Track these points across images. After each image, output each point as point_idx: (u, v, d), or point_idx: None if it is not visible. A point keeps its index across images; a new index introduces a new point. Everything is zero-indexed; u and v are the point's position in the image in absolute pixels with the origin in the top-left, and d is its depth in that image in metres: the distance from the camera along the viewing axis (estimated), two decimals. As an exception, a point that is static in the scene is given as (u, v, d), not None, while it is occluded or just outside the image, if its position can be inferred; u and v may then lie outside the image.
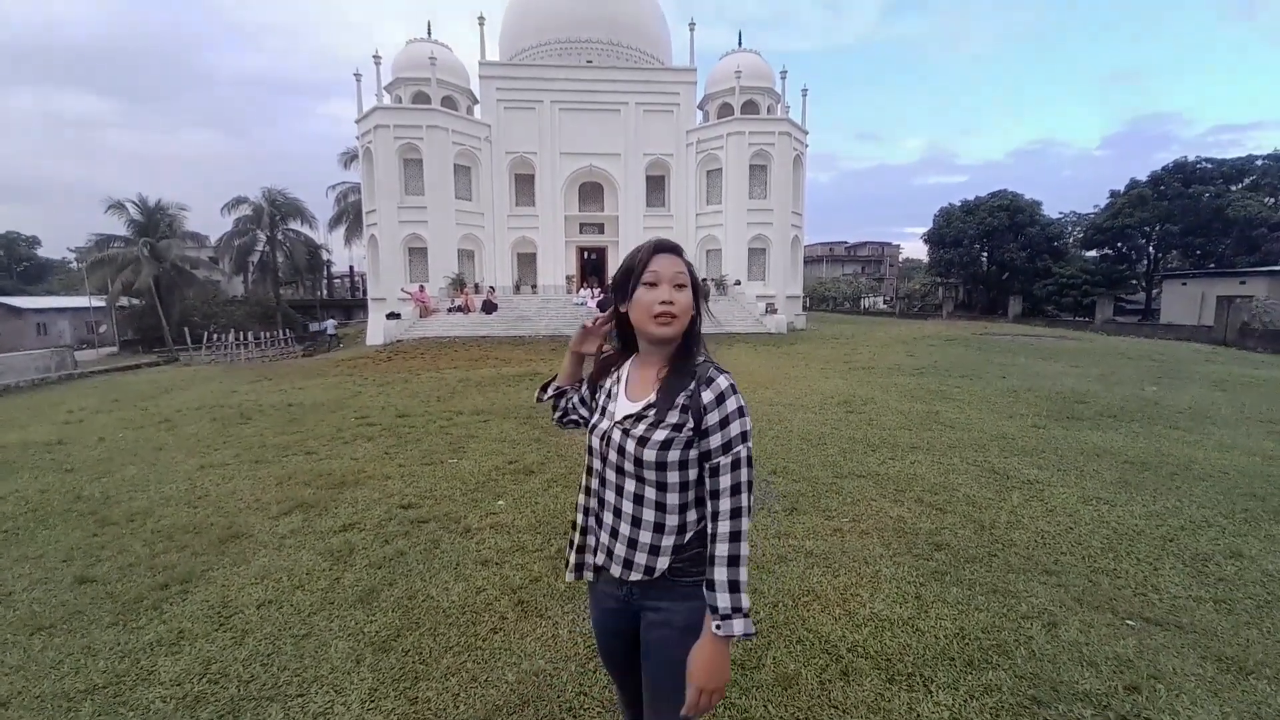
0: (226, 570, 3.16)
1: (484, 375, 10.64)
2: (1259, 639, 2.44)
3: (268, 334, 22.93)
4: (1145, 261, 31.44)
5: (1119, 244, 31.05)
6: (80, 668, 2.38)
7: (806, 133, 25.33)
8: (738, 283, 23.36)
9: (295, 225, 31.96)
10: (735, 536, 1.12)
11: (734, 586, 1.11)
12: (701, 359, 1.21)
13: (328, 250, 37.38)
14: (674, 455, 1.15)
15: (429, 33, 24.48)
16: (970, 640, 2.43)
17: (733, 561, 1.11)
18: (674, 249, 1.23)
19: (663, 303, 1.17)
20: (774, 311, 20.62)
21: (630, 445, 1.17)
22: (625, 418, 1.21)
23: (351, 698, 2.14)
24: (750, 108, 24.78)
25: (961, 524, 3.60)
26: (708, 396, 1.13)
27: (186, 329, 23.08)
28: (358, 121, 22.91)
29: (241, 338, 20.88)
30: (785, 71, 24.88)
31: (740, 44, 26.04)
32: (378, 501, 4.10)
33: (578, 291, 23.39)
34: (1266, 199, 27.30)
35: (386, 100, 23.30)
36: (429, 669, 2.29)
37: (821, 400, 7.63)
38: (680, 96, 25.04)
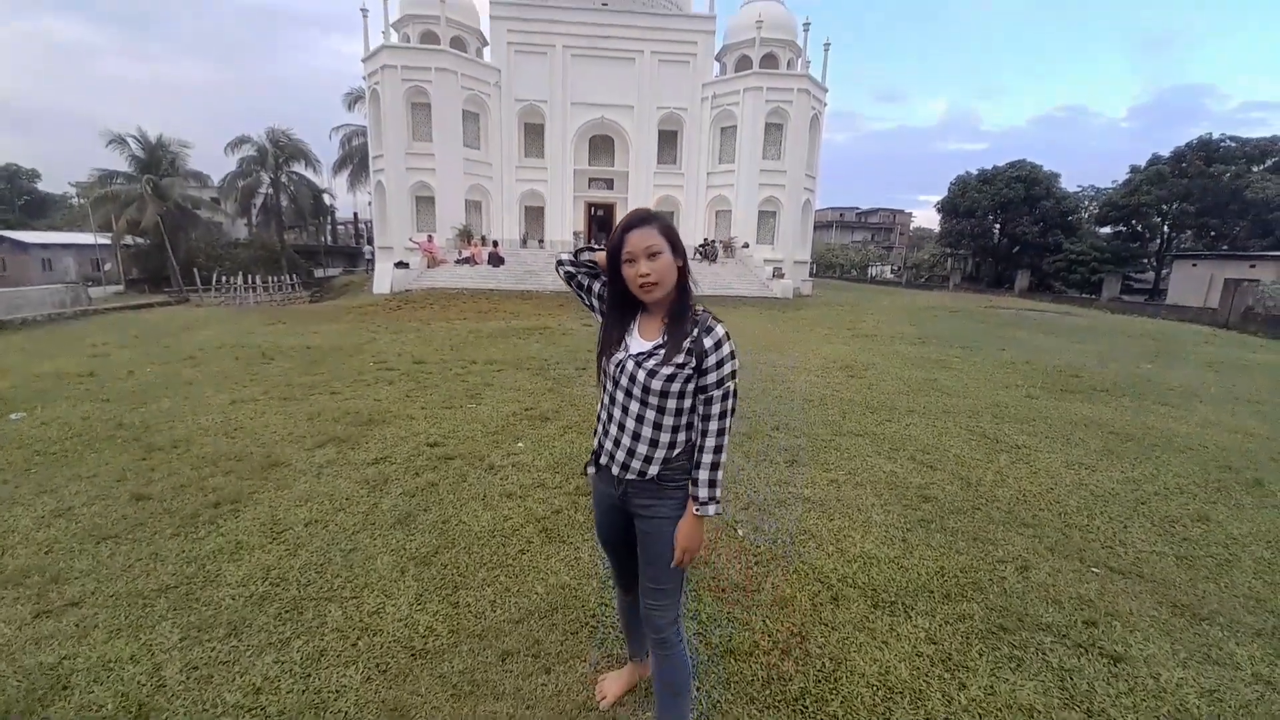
0: (271, 494, 3.43)
1: (494, 327, 10.83)
2: (1215, 592, 2.71)
3: (274, 278, 22.99)
4: (1158, 240, 31.06)
5: (1133, 221, 30.59)
6: (150, 571, 2.65)
7: (826, 90, 24.63)
8: (746, 245, 23.23)
9: (299, 168, 31.45)
10: (718, 449, 1.48)
11: (712, 483, 1.50)
12: (701, 308, 1.49)
13: (331, 195, 36.88)
14: (675, 386, 1.43)
15: (438, -32, 23.47)
16: (949, 578, 2.71)
17: (714, 466, 1.49)
18: (644, 220, 1.43)
19: (641, 275, 1.40)
20: (781, 276, 20.62)
21: (641, 375, 1.44)
22: (639, 353, 1.47)
23: (400, 601, 2.43)
24: (769, 61, 24.01)
25: (949, 480, 3.87)
26: (708, 342, 1.42)
27: (195, 270, 23.11)
28: (364, 61, 22.28)
29: (249, 281, 20.97)
30: (808, 23, 24.03)
31: (763, -9, 24.99)
32: (405, 439, 4.37)
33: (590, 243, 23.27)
34: (1288, 181, 26.73)
35: (394, 38, 22.60)
36: (467, 580, 2.58)
37: (824, 364, 7.85)
38: (698, 46, 24.24)
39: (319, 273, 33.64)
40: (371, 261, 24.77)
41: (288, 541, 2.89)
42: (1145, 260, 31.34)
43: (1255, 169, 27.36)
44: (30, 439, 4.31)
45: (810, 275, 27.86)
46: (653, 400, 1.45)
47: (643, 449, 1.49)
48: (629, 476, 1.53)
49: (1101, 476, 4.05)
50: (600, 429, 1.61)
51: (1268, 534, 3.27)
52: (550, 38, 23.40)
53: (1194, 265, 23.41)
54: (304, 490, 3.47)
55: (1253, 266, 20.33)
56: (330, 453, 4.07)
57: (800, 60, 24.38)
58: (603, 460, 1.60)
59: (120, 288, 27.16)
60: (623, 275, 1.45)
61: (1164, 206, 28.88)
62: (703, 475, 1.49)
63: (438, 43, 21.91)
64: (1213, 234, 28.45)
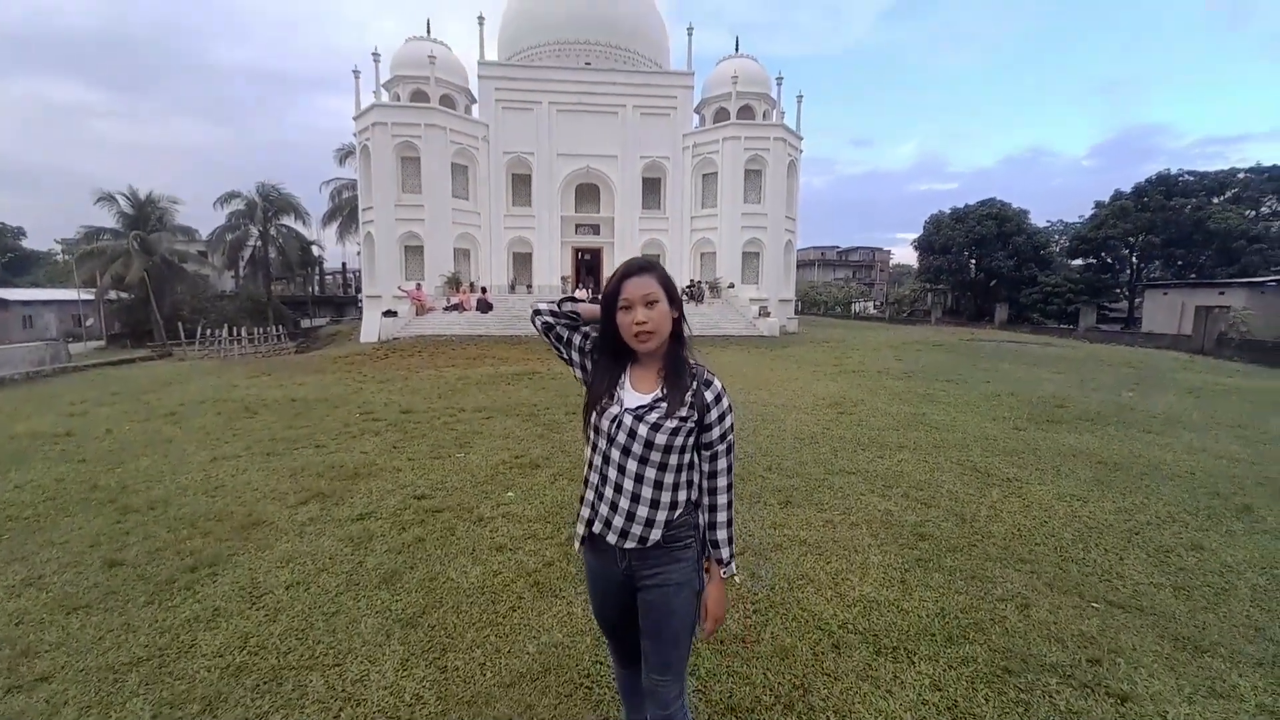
0: (252, 555, 3.32)
1: (483, 374, 10.79)
2: (1215, 622, 2.69)
3: (260, 330, 22.88)
4: (1128, 271, 32.13)
5: (1102, 254, 31.75)
6: (122, 643, 2.53)
7: (801, 138, 25.68)
8: (731, 285, 23.65)
9: (288, 221, 31.78)
10: (730, 504, 1.49)
11: (730, 540, 1.49)
12: (694, 361, 1.45)
13: (320, 246, 37.20)
14: (679, 441, 1.38)
15: (428, 31, 24.56)
16: (950, 619, 2.66)
17: (729, 523, 1.49)
18: (642, 269, 1.40)
19: (637, 323, 1.36)
20: (766, 315, 20.91)
21: (643, 430, 1.36)
22: (638, 407, 1.38)
23: (385, 667, 2.33)
24: (746, 113, 25.10)
25: (944, 517, 3.85)
26: (709, 396, 1.40)
27: (180, 323, 22.95)
28: (355, 119, 22.93)
29: (234, 333, 20.84)
30: (781, 77, 25.24)
31: (737, 49, 26.35)
32: (391, 492, 4.28)
33: (574, 291, 23.54)
34: (1247, 211, 28.06)
35: (385, 98, 23.35)
36: (455, 642, 2.49)
37: (814, 402, 7.88)
38: (677, 100, 25.31)
39: (306, 323, 33.56)
40: (362, 310, 24.94)
41: (267, 606, 2.78)
42: (1118, 290, 32.32)
43: (1215, 200, 28.68)
44: (2, 504, 4.16)
45: (795, 313, 28.29)
46: (654, 457, 1.36)
47: (644, 511, 1.38)
48: (629, 545, 1.40)
49: (1094, 508, 4.05)
50: (592, 494, 1.46)
51: (1261, 560, 3.27)
52: (536, 95, 24.34)
53: (1165, 294, 24.16)
54: (285, 550, 3.36)
55: (1221, 294, 21.02)
56: (313, 509, 3.96)
57: (775, 111, 25.50)
58: (597, 528, 1.44)
59: (102, 343, 26.83)
60: (616, 323, 1.39)
61: (1130, 239, 30.03)
62: (722, 535, 1.46)
63: (428, 101, 22.67)
64: (1180, 263, 29.52)
